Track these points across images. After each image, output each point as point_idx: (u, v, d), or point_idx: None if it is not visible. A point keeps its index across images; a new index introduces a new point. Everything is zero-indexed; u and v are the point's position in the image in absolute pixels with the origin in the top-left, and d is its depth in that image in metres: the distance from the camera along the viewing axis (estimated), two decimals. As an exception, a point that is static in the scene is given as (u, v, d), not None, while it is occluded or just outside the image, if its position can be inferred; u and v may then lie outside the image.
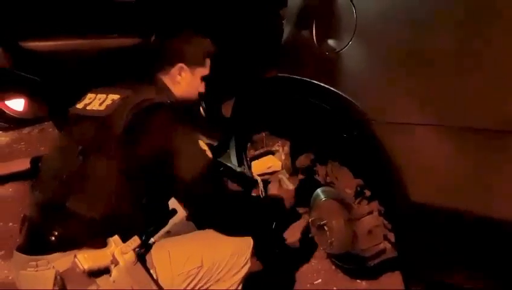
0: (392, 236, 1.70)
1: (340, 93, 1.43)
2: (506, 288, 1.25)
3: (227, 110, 2.09)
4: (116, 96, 1.37)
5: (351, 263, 1.91)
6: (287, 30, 1.70)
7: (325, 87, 1.47)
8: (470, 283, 1.39)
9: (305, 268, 2.10)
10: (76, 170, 1.28)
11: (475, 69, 1.17)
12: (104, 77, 1.61)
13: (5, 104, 2.59)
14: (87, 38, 1.78)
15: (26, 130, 3.87)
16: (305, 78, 1.57)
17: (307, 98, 1.60)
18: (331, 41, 1.50)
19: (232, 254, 1.39)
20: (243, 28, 1.77)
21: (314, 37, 1.54)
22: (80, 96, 1.51)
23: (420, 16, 1.27)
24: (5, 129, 3.26)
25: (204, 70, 1.56)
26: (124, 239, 1.21)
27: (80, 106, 1.42)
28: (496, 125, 1.13)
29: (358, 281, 2.01)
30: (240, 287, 1.43)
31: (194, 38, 1.55)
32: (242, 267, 1.41)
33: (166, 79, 1.52)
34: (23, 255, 1.24)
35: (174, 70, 1.51)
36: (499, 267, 1.24)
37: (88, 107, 1.39)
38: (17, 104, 2.58)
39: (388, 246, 1.72)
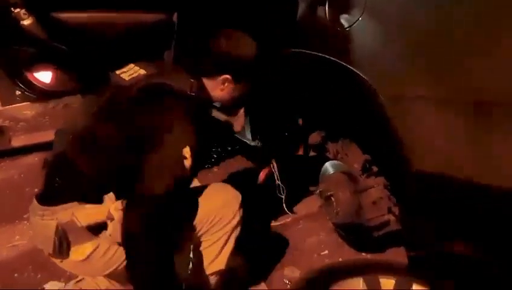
0: (396, 209, 1.78)
1: (349, 66, 1.50)
2: (504, 257, 1.33)
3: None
4: (143, 72, 1.47)
5: (356, 234, 2.00)
6: (301, 7, 1.77)
7: (335, 60, 1.55)
8: (469, 252, 1.46)
9: (313, 239, 2.20)
10: (87, 129, 1.40)
11: (478, 45, 1.22)
12: (129, 52, 1.72)
13: (34, 76, 2.72)
14: (115, 12, 1.89)
15: (50, 105, 3.95)
16: (316, 53, 1.65)
17: (319, 72, 1.69)
18: (342, 18, 1.57)
19: (221, 207, 1.50)
20: (259, 4, 1.84)
21: (327, 14, 1.62)
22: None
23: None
24: (33, 100, 3.41)
25: (248, 85, 1.56)
26: (118, 198, 1.31)
27: (118, 72, 1.55)
28: (496, 98, 1.18)
29: (363, 254, 2.09)
30: (232, 238, 1.54)
31: (242, 44, 1.50)
32: (231, 219, 1.51)
33: (208, 82, 1.50)
34: (36, 203, 1.38)
35: (219, 80, 1.48)
36: (496, 235, 1.31)
37: (122, 76, 1.51)
38: (45, 76, 2.71)
39: (392, 218, 1.80)
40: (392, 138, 1.42)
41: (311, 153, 2.24)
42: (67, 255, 1.35)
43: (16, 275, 2.03)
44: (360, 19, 1.47)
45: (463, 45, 1.25)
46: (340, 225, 2.05)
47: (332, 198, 1.87)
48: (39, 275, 2.01)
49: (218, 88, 1.51)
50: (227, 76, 1.48)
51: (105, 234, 1.32)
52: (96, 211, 1.30)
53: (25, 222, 2.40)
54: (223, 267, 1.56)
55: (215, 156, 2.93)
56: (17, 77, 2.66)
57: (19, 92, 2.92)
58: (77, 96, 3.92)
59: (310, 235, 2.22)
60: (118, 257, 1.37)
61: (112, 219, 1.29)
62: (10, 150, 3.19)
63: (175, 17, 2.06)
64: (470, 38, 1.23)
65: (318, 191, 2.00)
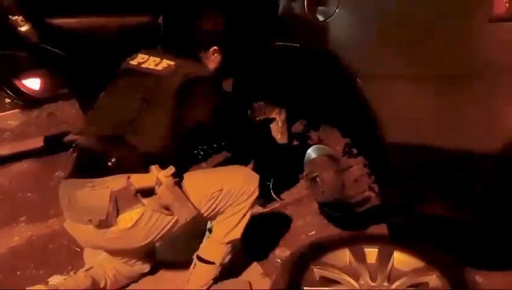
0: (375, 186, 1.94)
1: (328, 52, 1.67)
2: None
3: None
4: (171, 62, 1.69)
5: (340, 211, 2.15)
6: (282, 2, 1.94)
7: (316, 50, 1.73)
8: (442, 211, 1.64)
9: (300, 222, 2.34)
10: (137, 113, 1.60)
11: (438, 28, 1.39)
12: (121, 52, 1.85)
13: (22, 83, 2.79)
14: (106, 17, 2.02)
15: (34, 114, 4.02)
16: (299, 45, 1.82)
17: (301, 61, 1.86)
18: (320, 11, 1.74)
19: (243, 182, 1.70)
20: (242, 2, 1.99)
21: (306, 8, 1.78)
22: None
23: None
24: (21, 108, 3.48)
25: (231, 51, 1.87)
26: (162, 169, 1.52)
27: (133, 62, 1.76)
28: (455, 70, 1.36)
29: (347, 232, 2.25)
30: (249, 212, 1.74)
31: (221, 19, 1.84)
32: (251, 194, 1.71)
33: (203, 56, 1.83)
34: (77, 179, 1.55)
35: (209, 53, 1.83)
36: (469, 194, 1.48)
37: (143, 65, 1.72)
38: (33, 83, 2.78)
39: (372, 194, 1.96)
40: (371, 115, 1.59)
41: (295, 142, 2.39)
42: (116, 223, 1.50)
43: (18, 273, 2.10)
44: (336, 10, 1.64)
45: (419, 28, 1.43)
46: (325, 203, 2.20)
47: (318, 179, 2.03)
48: (41, 271, 2.09)
49: (210, 60, 1.84)
50: (215, 47, 1.82)
51: (154, 198, 1.50)
52: (147, 178, 1.50)
53: (22, 224, 2.48)
54: (239, 237, 1.74)
55: (202, 153, 3.05)
56: (6, 84, 2.74)
57: (8, 100, 3.01)
58: (59, 104, 4.01)
59: (297, 218, 2.36)
60: (158, 225, 1.55)
61: (160, 185, 1.49)
62: (-1, 159, 3.25)
63: (160, 19, 2.20)
64: (428, 23, 1.40)
65: (304, 174, 2.15)
